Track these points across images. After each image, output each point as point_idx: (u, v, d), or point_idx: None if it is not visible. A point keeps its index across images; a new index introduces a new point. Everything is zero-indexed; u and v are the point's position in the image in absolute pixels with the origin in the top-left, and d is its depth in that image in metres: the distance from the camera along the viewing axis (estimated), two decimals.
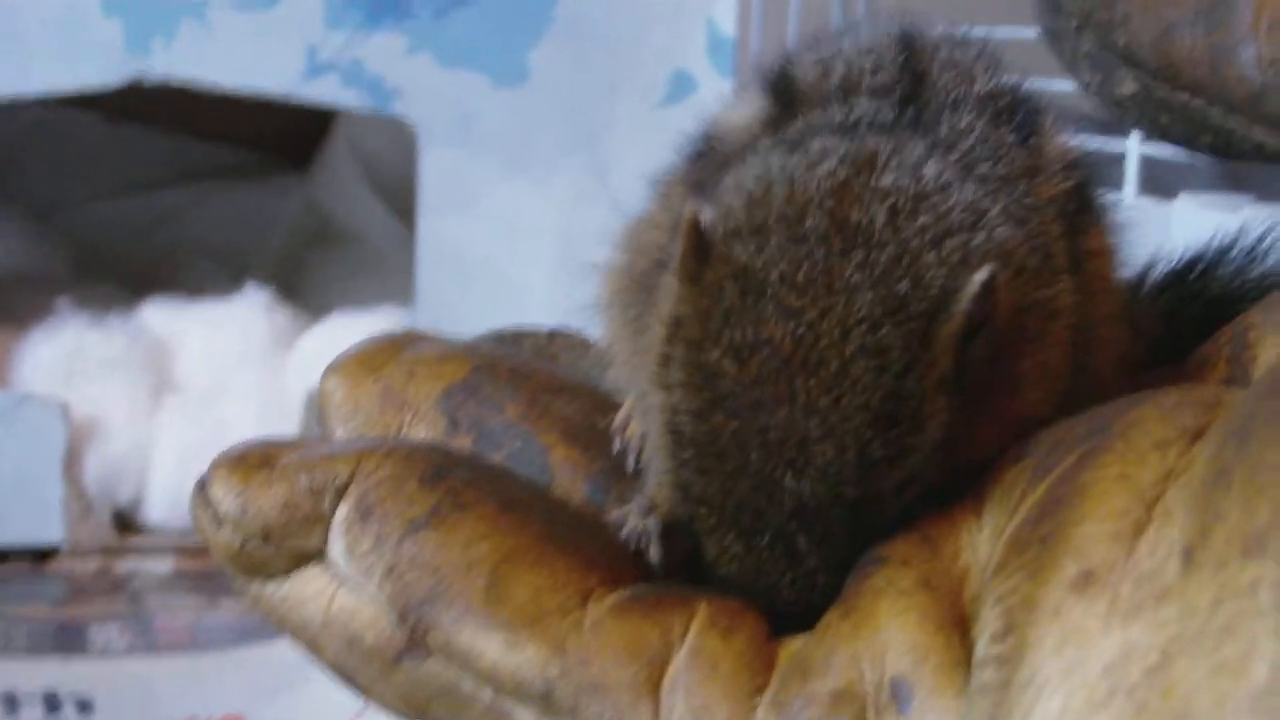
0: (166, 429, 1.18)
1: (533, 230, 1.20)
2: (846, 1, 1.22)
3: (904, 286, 0.47)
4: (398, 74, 1.18)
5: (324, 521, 0.50)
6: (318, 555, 0.50)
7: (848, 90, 0.54)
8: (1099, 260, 0.55)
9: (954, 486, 0.49)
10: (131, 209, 1.39)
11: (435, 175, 1.18)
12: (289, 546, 0.50)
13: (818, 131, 0.52)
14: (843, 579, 0.48)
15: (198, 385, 1.18)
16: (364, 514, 0.49)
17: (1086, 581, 0.43)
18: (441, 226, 1.19)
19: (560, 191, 1.20)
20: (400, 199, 1.31)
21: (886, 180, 0.49)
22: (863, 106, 0.53)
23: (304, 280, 1.34)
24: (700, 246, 0.48)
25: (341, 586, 0.50)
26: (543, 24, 1.19)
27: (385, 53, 1.18)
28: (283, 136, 1.43)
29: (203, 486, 0.51)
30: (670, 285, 0.49)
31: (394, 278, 1.28)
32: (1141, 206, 1.15)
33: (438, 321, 1.17)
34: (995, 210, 0.49)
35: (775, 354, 0.47)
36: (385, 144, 1.32)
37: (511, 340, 0.63)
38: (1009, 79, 0.56)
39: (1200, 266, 0.64)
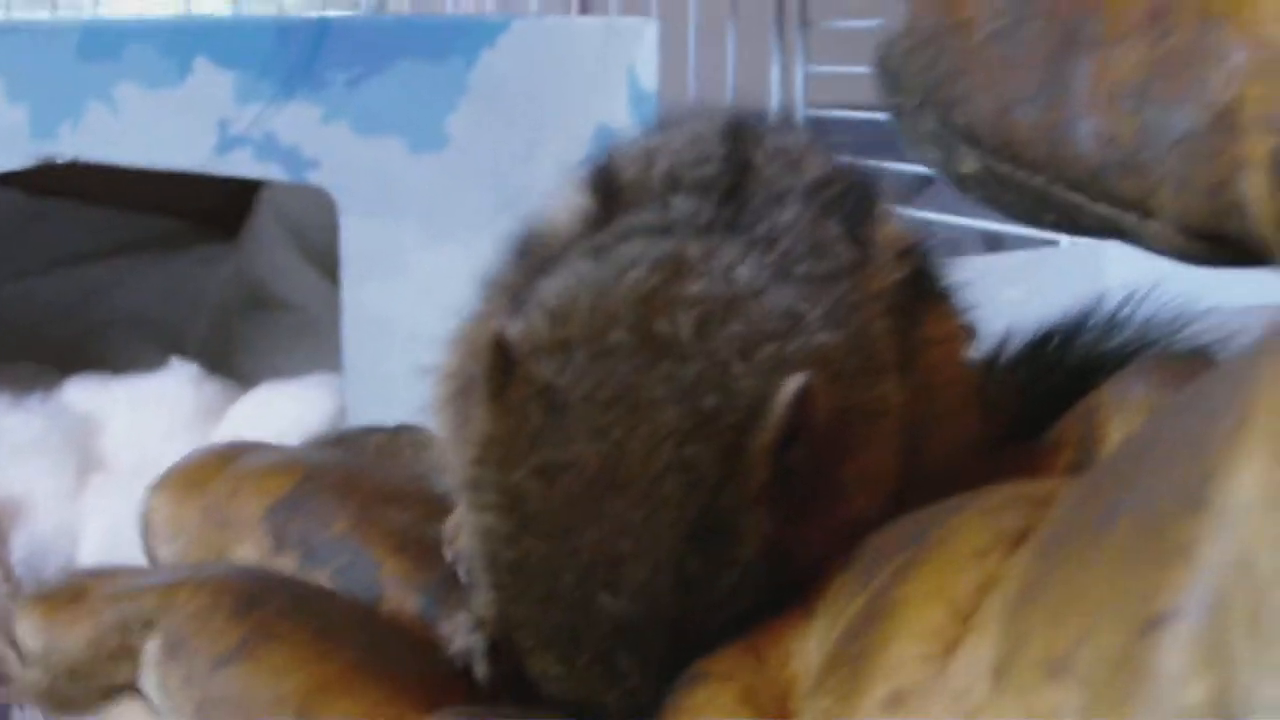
0: (94, 507, 1.16)
1: (459, 295, 1.19)
2: (740, 43, 1.21)
3: (711, 400, 0.46)
4: (313, 144, 1.17)
5: (133, 656, 0.48)
6: (130, 688, 0.49)
7: (670, 186, 0.53)
8: (940, 349, 0.54)
9: (785, 594, 0.48)
10: (59, 284, 1.37)
11: (357, 243, 1.17)
12: (97, 684, 0.49)
13: (631, 234, 0.51)
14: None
15: (124, 463, 1.17)
16: (173, 649, 0.48)
17: (896, 703, 0.42)
18: (366, 294, 1.18)
19: (486, 255, 1.18)
20: (331, 264, 1.30)
21: (696, 287, 0.47)
22: (681, 205, 0.52)
23: (238, 351, 1.33)
24: (503, 364, 0.47)
25: (157, 719, 0.49)
26: (459, 87, 1.18)
27: (300, 123, 1.17)
28: (213, 204, 1.42)
29: (9, 624, 0.50)
30: (476, 405, 0.48)
31: (329, 345, 1.26)
32: (1073, 248, 1.13)
33: (366, 389, 1.16)
34: (813, 313, 0.48)
35: (582, 474, 0.46)
36: (310, 210, 1.31)
37: (356, 439, 0.62)
38: (843, 163, 0.55)
39: (1059, 337, 0.63)
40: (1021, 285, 0.92)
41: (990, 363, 0.61)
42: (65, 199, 1.40)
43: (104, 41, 1.14)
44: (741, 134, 0.54)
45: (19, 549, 1.16)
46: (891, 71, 0.59)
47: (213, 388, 1.20)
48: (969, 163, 0.57)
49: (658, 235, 0.50)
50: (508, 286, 0.54)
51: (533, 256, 0.54)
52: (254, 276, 1.37)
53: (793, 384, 0.45)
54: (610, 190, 0.54)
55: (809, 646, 0.47)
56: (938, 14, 0.58)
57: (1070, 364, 0.62)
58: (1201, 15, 0.52)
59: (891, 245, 0.53)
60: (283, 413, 1.18)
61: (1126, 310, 0.62)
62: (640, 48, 1.18)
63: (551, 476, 0.46)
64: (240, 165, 1.16)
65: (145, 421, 1.17)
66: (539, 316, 0.48)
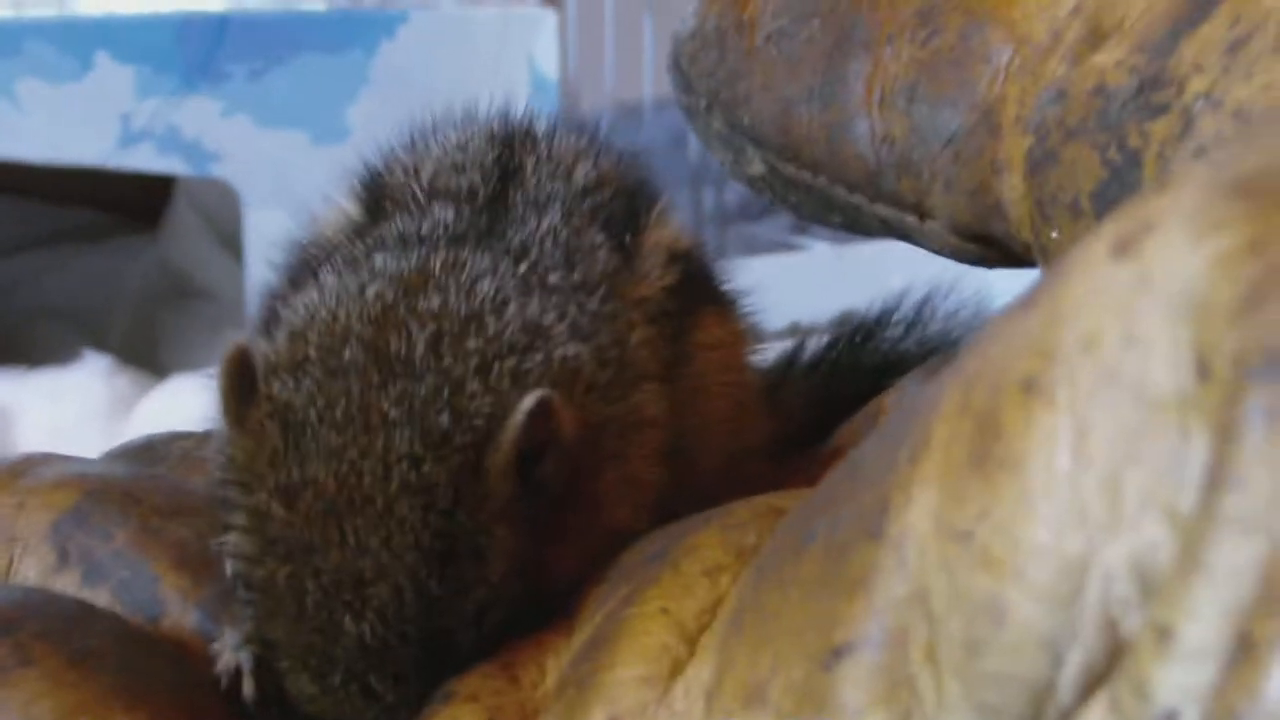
0: None
1: None
2: (658, 33, 1.20)
3: (445, 419, 0.45)
4: (215, 137, 1.17)
5: None
6: None
7: (434, 193, 0.52)
8: (714, 354, 0.53)
9: (549, 606, 0.48)
10: None
11: (260, 235, 1.17)
12: None
13: (384, 246, 0.50)
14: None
15: None
16: None
17: None
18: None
19: None
20: None
21: (433, 303, 0.47)
22: (438, 214, 0.51)
23: (160, 340, 1.33)
24: (243, 384, 0.47)
25: None
26: (360, 79, 1.18)
27: (201, 117, 1.17)
28: (132, 196, 1.42)
29: None
30: (220, 425, 0.48)
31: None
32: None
33: None
34: (559, 326, 0.47)
35: (321, 495, 0.45)
36: (227, 200, 1.31)
37: (162, 447, 0.61)
38: (621, 168, 0.54)
39: (859, 335, 0.62)
40: (905, 274, 0.91)
41: (788, 364, 0.60)
42: None
43: (5, 38, 1.14)
44: (512, 140, 0.53)
45: None
46: (682, 72, 0.59)
47: (125, 380, 1.20)
48: (756, 164, 0.57)
49: (409, 246, 0.49)
50: (275, 298, 0.53)
51: (299, 267, 0.53)
52: (174, 267, 1.37)
53: (528, 401, 0.44)
54: (377, 197, 0.53)
55: (565, 663, 0.46)
56: (721, 14, 0.57)
57: (870, 363, 0.61)
58: (967, 14, 0.52)
59: (661, 250, 0.52)
60: (193, 403, 1.18)
61: (927, 309, 0.61)
62: (538, 36, 1.18)
63: (291, 497, 0.45)
64: (143, 159, 1.16)
65: (58, 414, 1.17)
66: (282, 334, 0.47)
